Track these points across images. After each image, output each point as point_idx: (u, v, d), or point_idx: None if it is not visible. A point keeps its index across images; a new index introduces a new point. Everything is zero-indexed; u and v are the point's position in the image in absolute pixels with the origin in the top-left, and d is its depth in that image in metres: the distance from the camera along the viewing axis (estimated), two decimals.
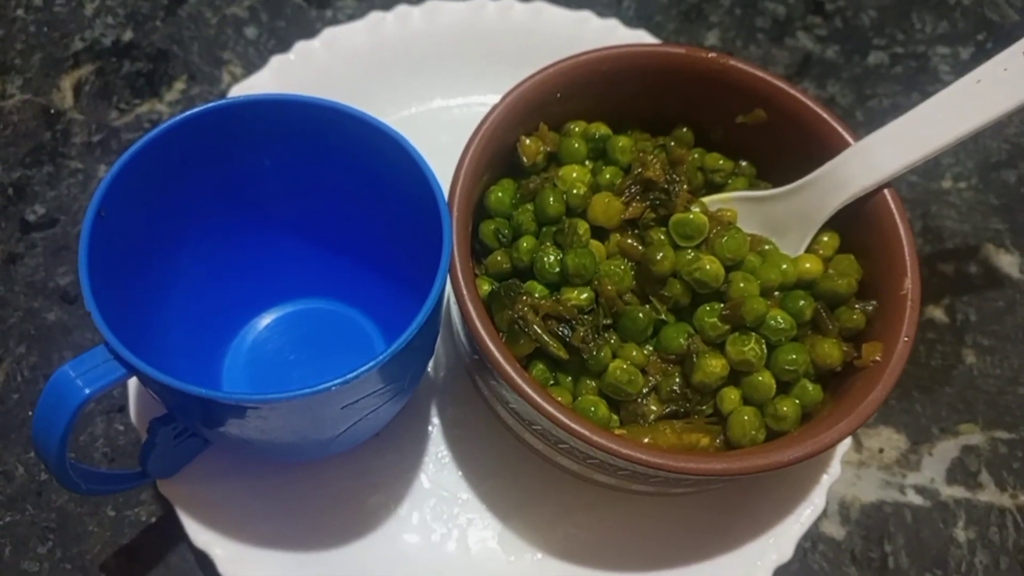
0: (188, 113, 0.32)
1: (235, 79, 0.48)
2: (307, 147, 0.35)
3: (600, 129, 0.38)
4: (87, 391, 0.27)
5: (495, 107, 0.36)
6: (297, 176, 0.36)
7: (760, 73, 0.37)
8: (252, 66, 0.48)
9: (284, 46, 0.48)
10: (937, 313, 0.44)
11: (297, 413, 0.29)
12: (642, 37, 0.47)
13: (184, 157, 0.33)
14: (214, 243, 0.37)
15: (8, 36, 0.48)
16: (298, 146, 0.35)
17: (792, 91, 0.37)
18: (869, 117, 0.50)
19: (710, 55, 0.37)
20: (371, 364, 0.27)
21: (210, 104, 0.32)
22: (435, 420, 0.39)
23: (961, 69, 0.51)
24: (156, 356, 0.34)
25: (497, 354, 0.32)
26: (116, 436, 0.38)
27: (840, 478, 0.38)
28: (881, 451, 0.41)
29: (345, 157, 0.35)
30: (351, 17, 0.50)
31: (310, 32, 0.49)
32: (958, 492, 0.40)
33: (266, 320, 0.40)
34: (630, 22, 0.51)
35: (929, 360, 0.43)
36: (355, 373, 0.27)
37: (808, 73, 0.51)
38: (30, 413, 0.39)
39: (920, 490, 0.40)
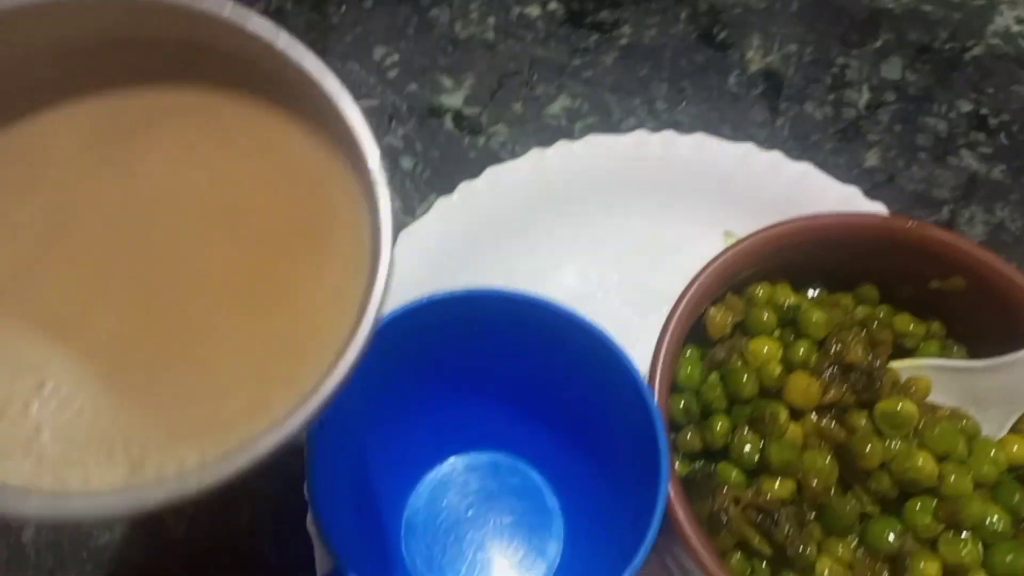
0: (396, 311, 0.32)
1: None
2: (504, 328, 0.35)
3: (788, 297, 0.37)
4: None
5: (688, 290, 0.35)
6: (489, 350, 0.36)
7: (963, 244, 0.36)
8: (410, 198, 0.48)
9: (441, 177, 0.48)
10: None
11: None
12: (809, 171, 0.46)
13: (384, 350, 0.33)
14: (402, 402, 0.37)
15: None
16: (495, 328, 0.35)
17: (998, 265, 0.35)
18: None
19: (909, 224, 0.36)
20: None
21: (416, 301, 0.32)
22: None
23: None
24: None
25: (703, 551, 0.31)
26: None
27: None
28: None
29: (543, 338, 0.34)
30: (503, 144, 0.50)
31: (464, 160, 0.49)
32: None
33: (443, 469, 0.40)
34: (786, 143, 0.50)
35: None
36: None
37: (975, 196, 0.49)
38: (211, 568, 0.40)
39: None
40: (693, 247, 0.38)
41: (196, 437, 0.21)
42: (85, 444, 0.20)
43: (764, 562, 0.34)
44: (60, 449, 0.20)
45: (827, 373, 0.34)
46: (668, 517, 0.32)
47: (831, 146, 0.50)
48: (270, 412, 0.21)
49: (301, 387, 0.21)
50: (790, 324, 0.37)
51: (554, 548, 0.39)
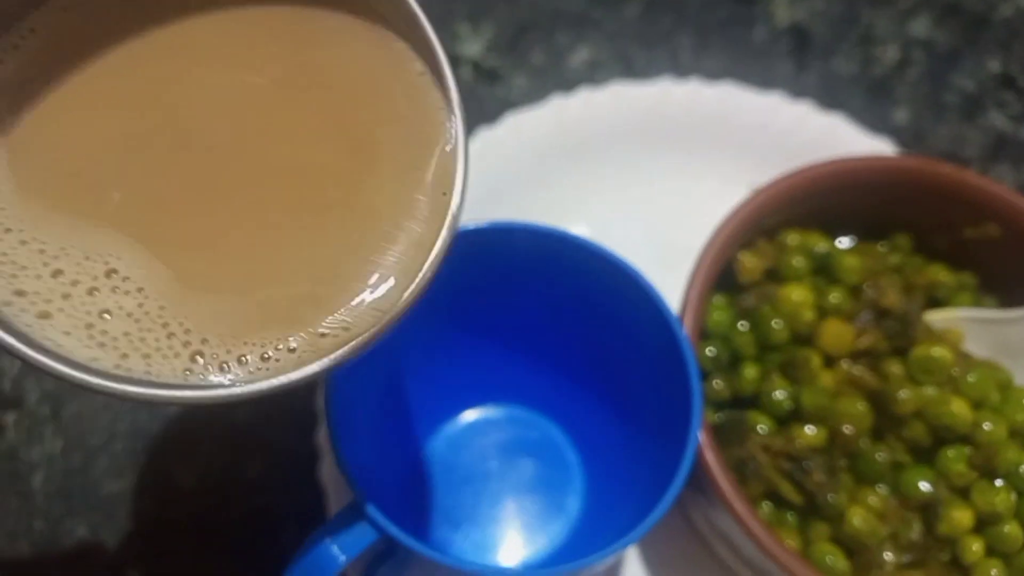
0: None
1: None
2: (529, 268, 0.34)
3: (820, 243, 0.36)
4: (342, 558, 0.26)
5: (718, 231, 0.34)
6: (511, 295, 0.35)
7: (998, 190, 0.35)
8: None
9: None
10: None
11: None
12: (838, 123, 0.45)
13: None
14: (420, 349, 0.36)
15: None
16: (518, 268, 0.34)
17: None
18: None
19: (945, 169, 0.35)
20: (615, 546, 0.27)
21: None
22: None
23: None
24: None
25: (733, 498, 0.30)
26: None
27: None
28: None
29: (569, 278, 0.33)
30: (525, 96, 0.48)
31: (482, 112, 0.48)
32: None
33: (459, 423, 0.39)
34: (812, 99, 0.48)
35: None
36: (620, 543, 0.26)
37: (1004, 155, 0.48)
38: (221, 518, 0.39)
39: None
40: (719, 201, 0.37)
41: (259, 335, 0.21)
42: (147, 332, 0.21)
43: (793, 513, 0.33)
44: (123, 334, 0.20)
45: (861, 319, 0.34)
46: (696, 466, 0.31)
47: (859, 102, 0.49)
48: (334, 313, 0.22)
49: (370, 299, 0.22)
50: (822, 271, 0.36)
51: (574, 503, 0.38)
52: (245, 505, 0.39)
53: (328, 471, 0.37)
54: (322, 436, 0.38)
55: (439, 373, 0.37)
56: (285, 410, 0.41)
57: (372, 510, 0.26)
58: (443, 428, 0.39)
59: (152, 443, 0.41)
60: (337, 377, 0.30)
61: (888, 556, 0.32)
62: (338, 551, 0.26)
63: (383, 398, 0.35)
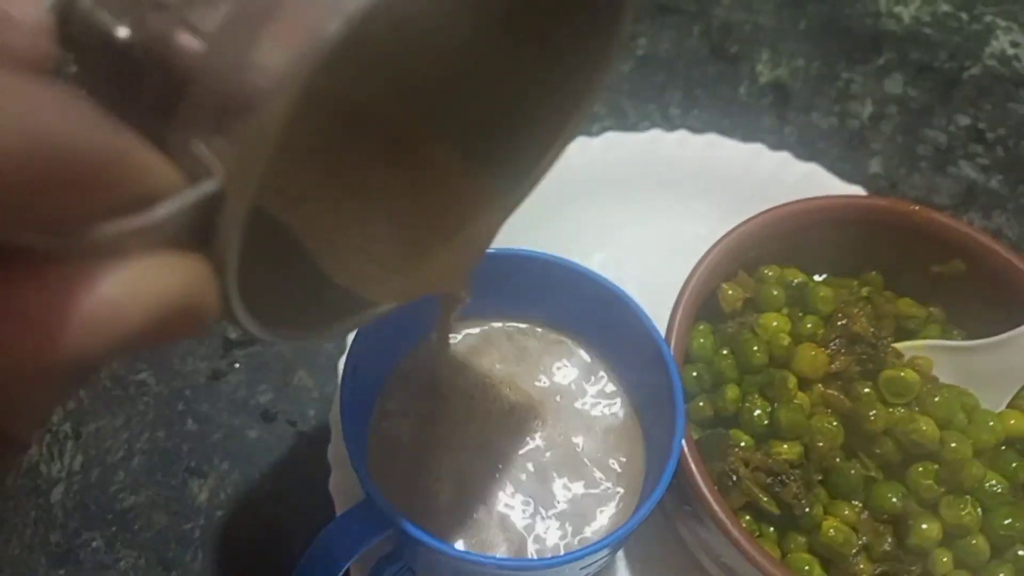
0: None
1: None
2: (533, 290, 0.36)
3: (796, 276, 0.39)
4: (353, 550, 0.28)
5: (701, 262, 0.37)
6: (519, 311, 0.38)
7: (963, 228, 0.38)
8: None
9: None
10: None
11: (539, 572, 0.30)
12: (815, 171, 0.48)
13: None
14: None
15: None
16: (524, 288, 0.36)
17: (996, 247, 0.37)
18: None
19: (913, 208, 0.38)
20: (624, 530, 0.29)
21: None
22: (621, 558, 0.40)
23: None
24: None
25: (715, 505, 0.32)
26: None
27: None
28: None
29: (566, 302, 0.36)
30: None
31: None
32: None
33: None
34: (793, 149, 0.52)
35: None
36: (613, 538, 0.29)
37: (973, 203, 0.51)
38: (232, 531, 0.41)
39: None
40: (703, 240, 0.40)
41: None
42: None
43: (772, 526, 0.35)
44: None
45: (833, 345, 0.36)
46: (682, 479, 0.33)
47: (836, 153, 0.53)
48: None
49: None
50: (797, 302, 0.39)
51: None
52: (257, 519, 0.41)
53: (338, 484, 0.39)
54: (332, 451, 0.40)
55: None
56: (297, 427, 0.43)
57: (383, 502, 0.29)
58: None
59: (167, 459, 0.43)
60: (350, 374, 0.32)
61: (862, 567, 0.34)
62: (350, 543, 0.28)
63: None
